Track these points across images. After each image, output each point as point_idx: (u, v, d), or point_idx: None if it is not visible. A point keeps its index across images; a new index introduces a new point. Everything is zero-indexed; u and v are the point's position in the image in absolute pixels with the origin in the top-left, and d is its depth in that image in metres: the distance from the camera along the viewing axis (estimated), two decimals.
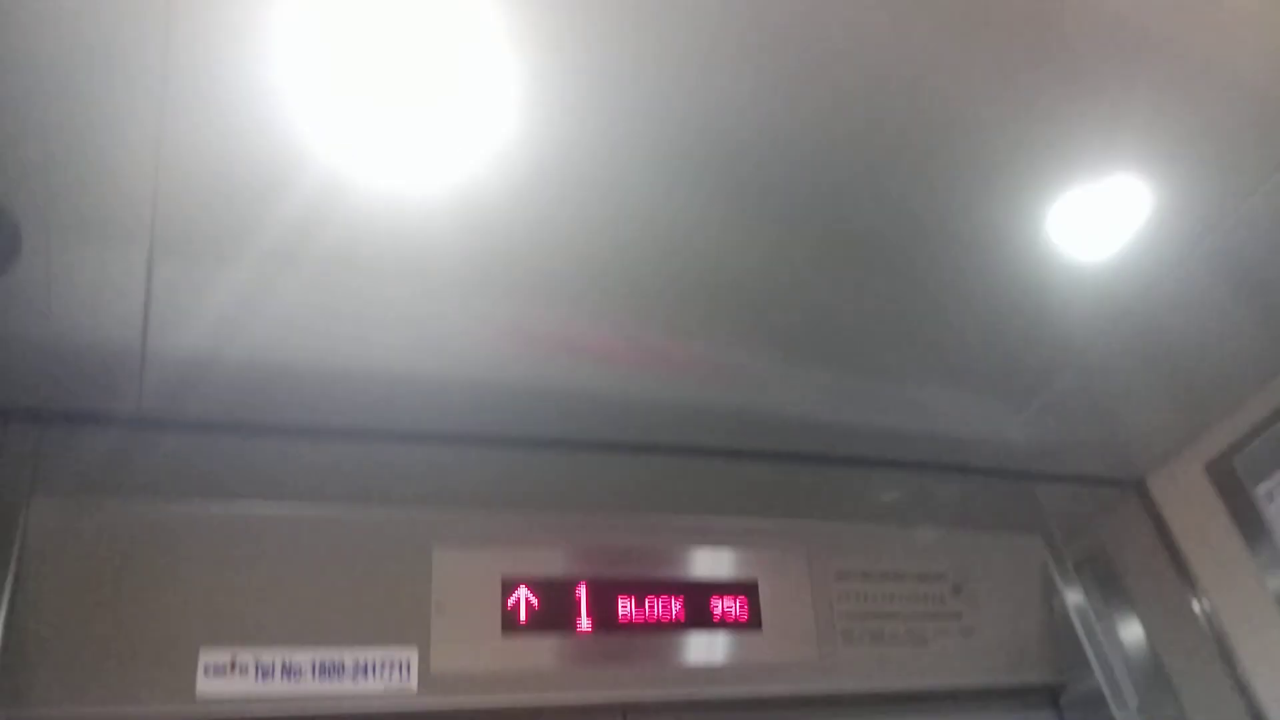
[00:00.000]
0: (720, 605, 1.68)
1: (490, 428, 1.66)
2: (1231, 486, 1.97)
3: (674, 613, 1.64)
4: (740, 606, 1.69)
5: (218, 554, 1.43)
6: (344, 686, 1.40)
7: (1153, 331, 1.68)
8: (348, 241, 1.25)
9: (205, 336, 1.35)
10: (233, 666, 1.36)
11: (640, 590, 1.64)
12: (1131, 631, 2.10)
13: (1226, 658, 1.95)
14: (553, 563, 1.61)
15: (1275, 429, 1.90)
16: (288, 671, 1.38)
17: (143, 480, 1.44)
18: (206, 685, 1.34)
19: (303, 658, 1.40)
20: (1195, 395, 1.92)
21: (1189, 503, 2.04)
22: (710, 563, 1.72)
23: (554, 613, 1.57)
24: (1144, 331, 1.67)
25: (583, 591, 1.60)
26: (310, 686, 1.38)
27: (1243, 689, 1.92)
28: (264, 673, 1.37)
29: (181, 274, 1.25)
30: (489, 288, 1.36)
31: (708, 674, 1.64)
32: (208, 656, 1.36)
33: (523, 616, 1.55)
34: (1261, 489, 1.92)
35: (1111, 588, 2.14)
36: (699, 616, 1.66)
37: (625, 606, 1.62)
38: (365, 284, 1.32)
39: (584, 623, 1.58)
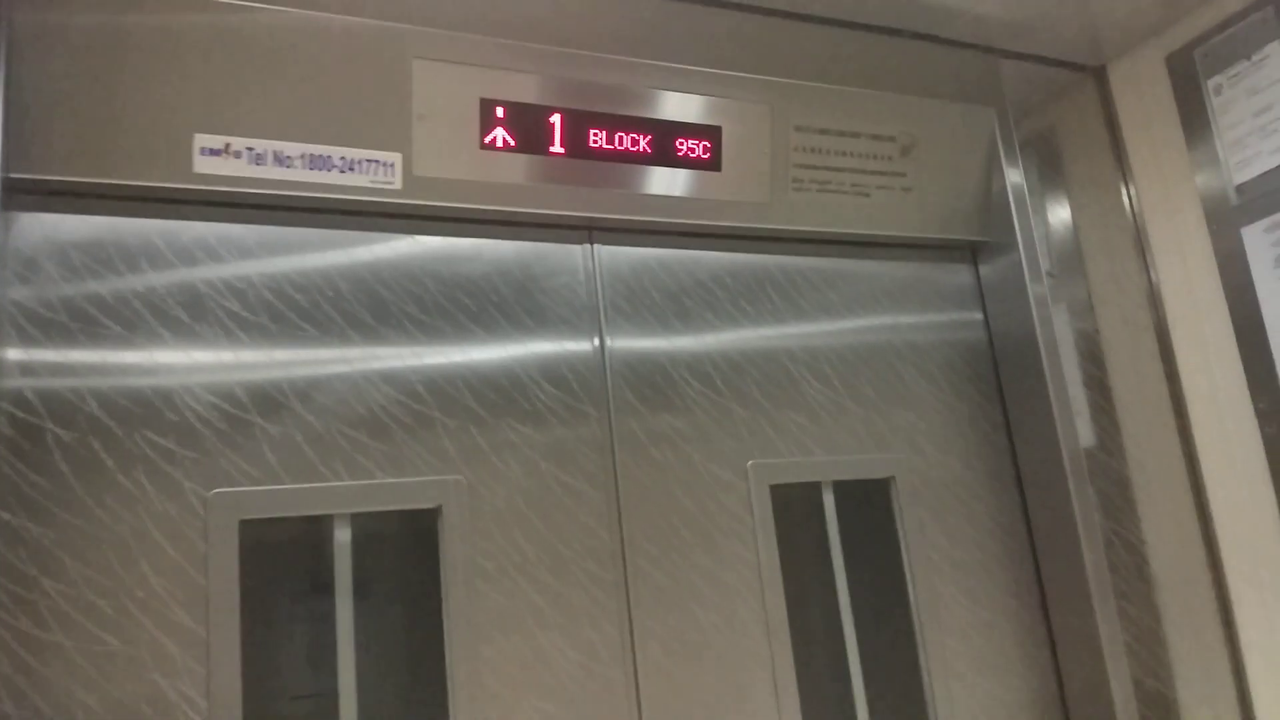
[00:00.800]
0: (685, 145, 1.78)
1: None
2: (1186, 80, 2.05)
3: (641, 146, 1.75)
4: (703, 148, 1.79)
5: (211, 51, 1.46)
6: (332, 178, 1.52)
7: None
8: None
9: None
10: (227, 149, 1.45)
11: (611, 124, 1.73)
12: (1061, 209, 2.26)
13: (1140, 239, 2.14)
14: (530, 89, 1.67)
15: (1242, 24, 1.94)
16: (279, 159, 1.48)
17: None
18: (203, 164, 1.44)
19: (293, 150, 1.50)
20: None
21: (1142, 94, 2.13)
22: (679, 106, 1.79)
23: (529, 135, 1.66)
24: None
25: (557, 119, 1.69)
26: (301, 175, 1.50)
27: (1148, 270, 2.13)
28: (257, 158, 1.47)
29: None
30: None
31: (668, 204, 1.79)
32: (203, 140, 1.45)
33: (499, 135, 1.64)
34: (1212, 82, 2.00)
35: (1052, 166, 2.28)
36: (664, 153, 1.77)
37: (596, 137, 1.72)
38: None
39: (557, 146, 1.68)
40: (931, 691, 1.86)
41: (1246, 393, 1.95)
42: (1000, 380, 2.10)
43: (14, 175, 1.35)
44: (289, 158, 1.49)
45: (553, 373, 1.70)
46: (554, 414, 1.68)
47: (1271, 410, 1.92)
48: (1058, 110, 2.28)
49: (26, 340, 1.38)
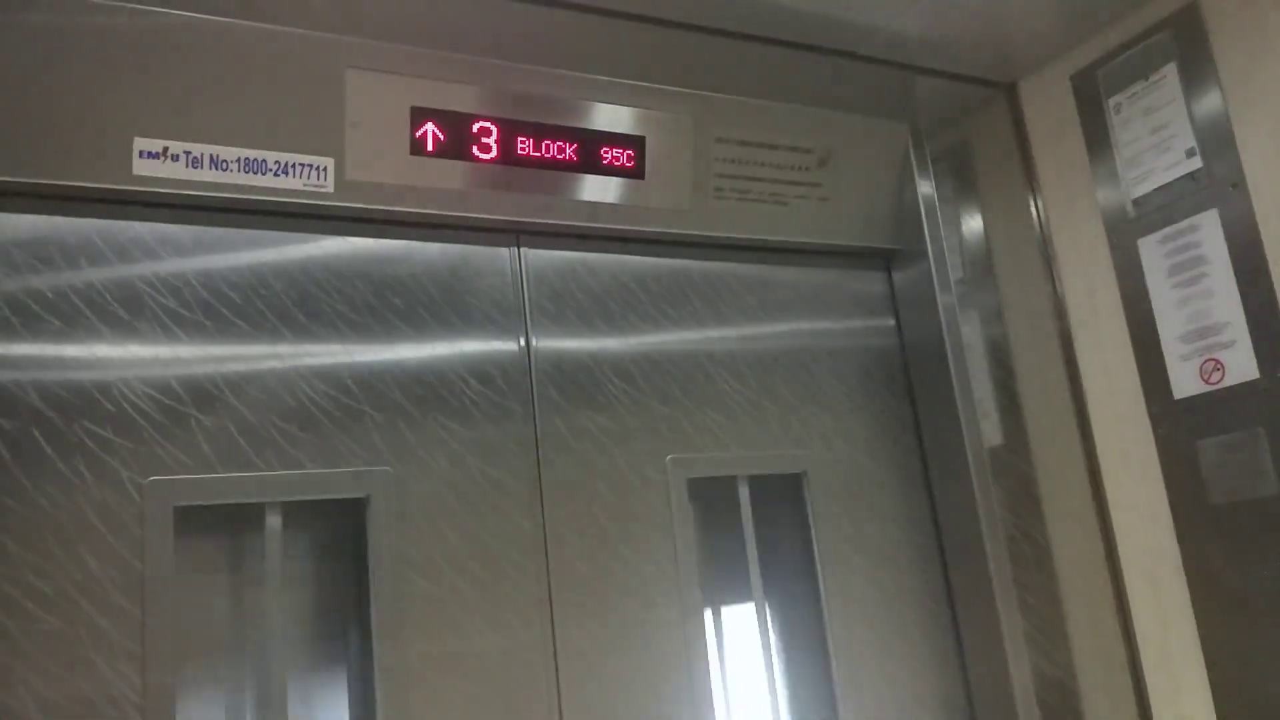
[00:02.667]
0: (610, 154, 1.87)
1: None
2: (1090, 98, 2.17)
3: (568, 154, 1.84)
4: (627, 157, 1.89)
5: (148, 58, 1.53)
6: (266, 180, 1.59)
7: None
8: None
9: None
10: (165, 153, 1.52)
11: (539, 133, 1.82)
12: (974, 219, 2.38)
13: (1045, 248, 2.26)
14: (460, 99, 1.76)
15: (1140, 46, 2.06)
16: (215, 163, 1.56)
17: None
18: (142, 167, 1.51)
19: (229, 154, 1.57)
20: (1078, 6, 2.05)
21: (1050, 111, 2.25)
22: (605, 117, 1.89)
23: (458, 142, 1.74)
24: None
25: (486, 127, 1.77)
26: (236, 178, 1.57)
27: (1053, 279, 2.25)
28: (194, 161, 1.54)
29: None
30: None
31: (594, 210, 1.88)
32: (142, 144, 1.52)
33: (430, 143, 1.72)
34: (1113, 100, 2.12)
35: (966, 178, 2.39)
36: (590, 161, 1.86)
37: (524, 144, 1.80)
38: None
39: (485, 154, 1.77)
40: (839, 674, 1.97)
41: (1141, 396, 2.08)
42: (911, 382, 2.21)
43: None
44: (225, 161, 1.57)
45: (479, 370, 1.78)
46: (480, 410, 1.77)
47: (1163, 413, 2.04)
48: (972, 124, 2.39)
49: None
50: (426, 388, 1.73)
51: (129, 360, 1.53)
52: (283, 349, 1.64)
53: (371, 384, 1.69)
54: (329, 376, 1.66)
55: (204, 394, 1.57)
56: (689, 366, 1.98)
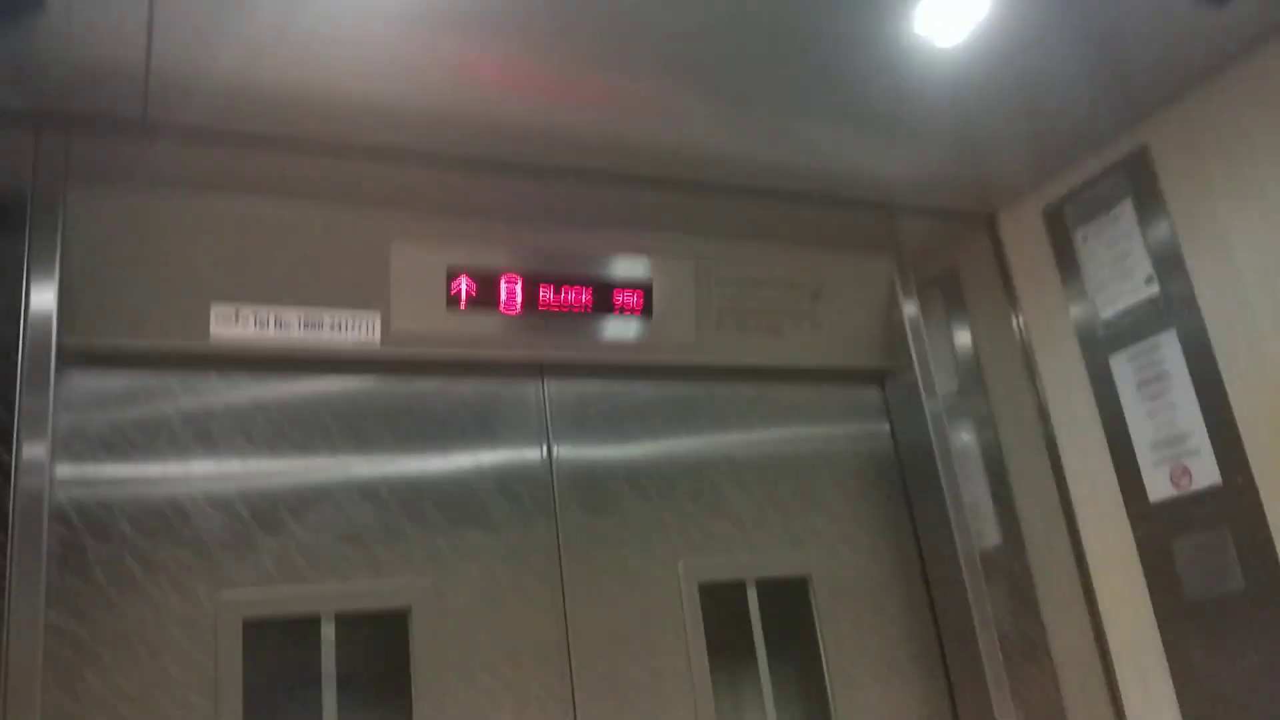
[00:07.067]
0: (621, 297, 2.13)
1: (443, 148, 1.96)
2: (1060, 229, 2.39)
3: (584, 301, 2.10)
4: (637, 299, 2.14)
5: (220, 237, 1.83)
6: (323, 336, 1.87)
7: (1012, 93, 2.02)
8: None
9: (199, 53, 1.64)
10: (237, 318, 1.81)
11: (558, 282, 2.08)
12: (963, 337, 2.59)
13: (1029, 364, 2.46)
14: (489, 258, 2.03)
15: (1099, 184, 2.29)
16: (279, 324, 1.84)
17: (156, 173, 1.79)
18: (218, 329, 1.80)
19: (291, 315, 1.85)
20: (1045, 148, 2.29)
21: (1025, 240, 2.47)
22: (615, 266, 2.15)
23: (488, 296, 2.01)
24: (1006, 93, 2.02)
25: (512, 281, 2.04)
26: (298, 335, 1.85)
27: (1037, 391, 2.45)
28: (261, 323, 1.83)
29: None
30: (432, 21, 1.63)
31: (608, 346, 2.14)
32: (218, 309, 1.81)
33: (463, 298, 1.99)
34: (1079, 232, 2.34)
35: (955, 302, 2.61)
36: (603, 305, 2.12)
37: (546, 294, 2.07)
38: (335, 10, 1.58)
39: (512, 305, 2.03)
40: None
41: (1121, 499, 2.24)
42: (906, 487, 2.40)
43: (66, 342, 1.69)
44: (288, 321, 1.85)
45: (508, 488, 2.02)
46: (508, 523, 2.00)
47: (1141, 515, 2.20)
48: (959, 250, 2.62)
49: (72, 464, 1.71)
50: (460, 506, 1.97)
51: (203, 489, 1.79)
52: (335, 476, 1.89)
53: (411, 503, 1.93)
54: (374, 498, 1.90)
55: (268, 517, 1.82)
56: (697, 478, 2.20)
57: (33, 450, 1.56)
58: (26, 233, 1.66)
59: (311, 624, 1.82)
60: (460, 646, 1.88)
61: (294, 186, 1.88)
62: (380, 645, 1.90)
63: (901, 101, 2.00)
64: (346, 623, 1.84)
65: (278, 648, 1.83)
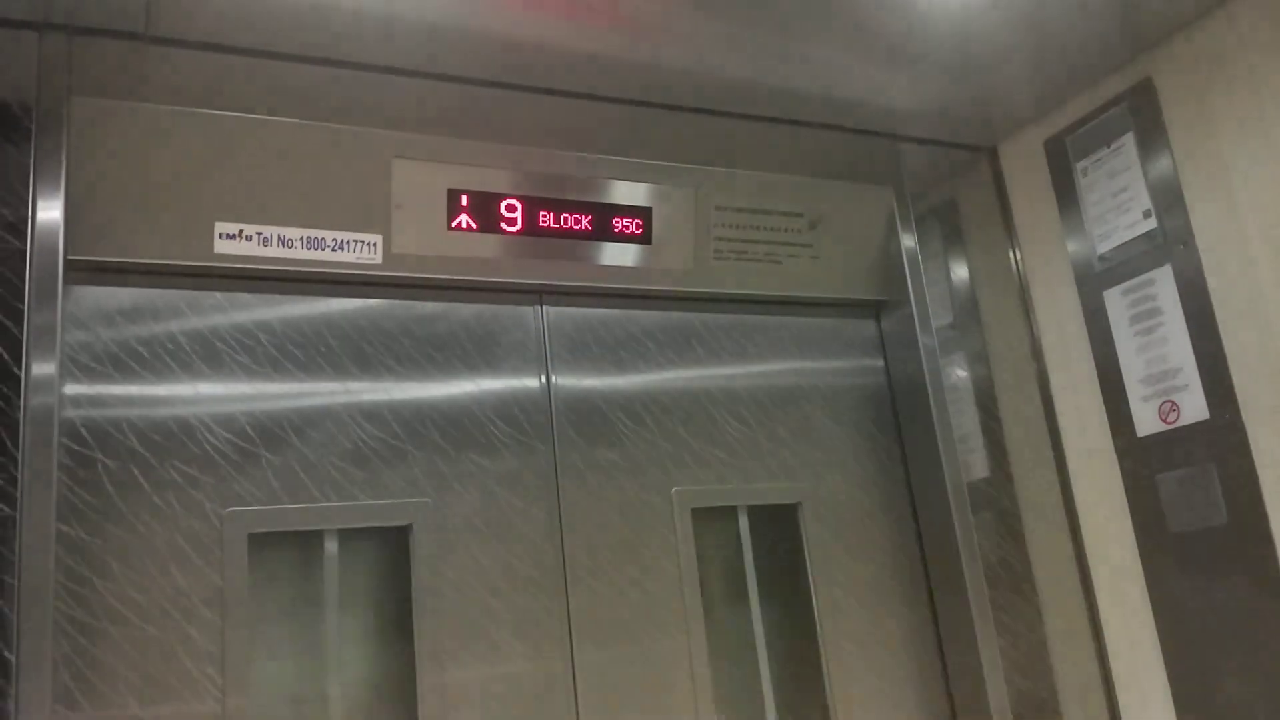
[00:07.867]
0: (620, 223, 2.14)
1: (444, 67, 1.94)
2: (1060, 162, 2.39)
3: (584, 225, 2.10)
4: (635, 225, 2.15)
5: (223, 154, 1.82)
6: (326, 255, 1.88)
7: (1019, 22, 1.99)
8: None
9: None
10: (241, 235, 1.81)
11: (558, 207, 2.09)
12: (960, 270, 2.61)
13: (1024, 297, 2.48)
14: (490, 180, 2.03)
15: (1102, 117, 2.28)
16: (283, 242, 1.85)
17: (159, 88, 1.78)
18: (222, 246, 1.81)
19: (294, 233, 1.86)
20: (1049, 79, 2.26)
21: (1026, 172, 2.47)
22: (616, 191, 2.16)
23: (488, 218, 2.02)
24: (1013, 22, 1.99)
25: (513, 203, 2.04)
26: (301, 254, 1.86)
27: (1031, 326, 2.47)
28: (265, 241, 1.83)
29: None
30: None
31: (606, 272, 2.15)
32: (222, 226, 1.82)
33: (463, 219, 1.99)
34: (1079, 165, 2.34)
35: (954, 232, 2.62)
36: (603, 230, 2.13)
37: (546, 218, 2.07)
38: None
39: (512, 227, 2.04)
40: (830, 687, 2.19)
41: (1109, 433, 2.28)
42: (898, 419, 2.44)
43: (72, 256, 1.70)
44: (291, 240, 1.85)
45: (506, 412, 2.05)
46: (506, 447, 2.03)
47: (1128, 447, 2.24)
48: (959, 182, 2.62)
49: (81, 380, 1.73)
50: (460, 428, 2.00)
51: (210, 408, 1.82)
52: (338, 397, 1.92)
53: (413, 426, 1.96)
54: (377, 420, 1.93)
55: (272, 436, 1.85)
56: (693, 407, 2.23)
57: (42, 367, 1.58)
58: (32, 144, 1.65)
59: (315, 540, 1.86)
60: (459, 565, 1.93)
61: (296, 103, 1.86)
62: (382, 562, 1.94)
63: (909, 29, 1.98)
64: (348, 539, 1.88)
65: (281, 562, 1.87)
